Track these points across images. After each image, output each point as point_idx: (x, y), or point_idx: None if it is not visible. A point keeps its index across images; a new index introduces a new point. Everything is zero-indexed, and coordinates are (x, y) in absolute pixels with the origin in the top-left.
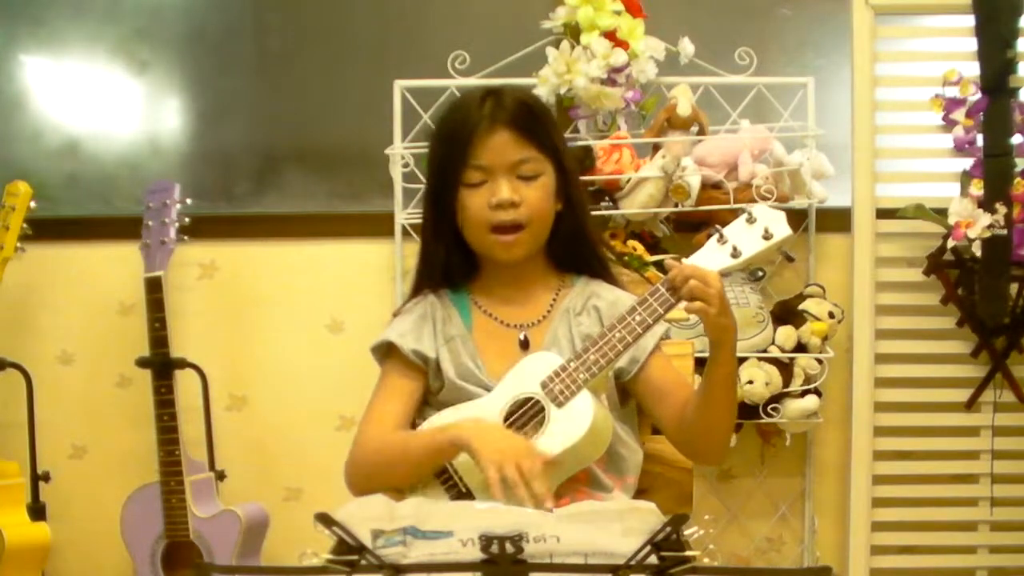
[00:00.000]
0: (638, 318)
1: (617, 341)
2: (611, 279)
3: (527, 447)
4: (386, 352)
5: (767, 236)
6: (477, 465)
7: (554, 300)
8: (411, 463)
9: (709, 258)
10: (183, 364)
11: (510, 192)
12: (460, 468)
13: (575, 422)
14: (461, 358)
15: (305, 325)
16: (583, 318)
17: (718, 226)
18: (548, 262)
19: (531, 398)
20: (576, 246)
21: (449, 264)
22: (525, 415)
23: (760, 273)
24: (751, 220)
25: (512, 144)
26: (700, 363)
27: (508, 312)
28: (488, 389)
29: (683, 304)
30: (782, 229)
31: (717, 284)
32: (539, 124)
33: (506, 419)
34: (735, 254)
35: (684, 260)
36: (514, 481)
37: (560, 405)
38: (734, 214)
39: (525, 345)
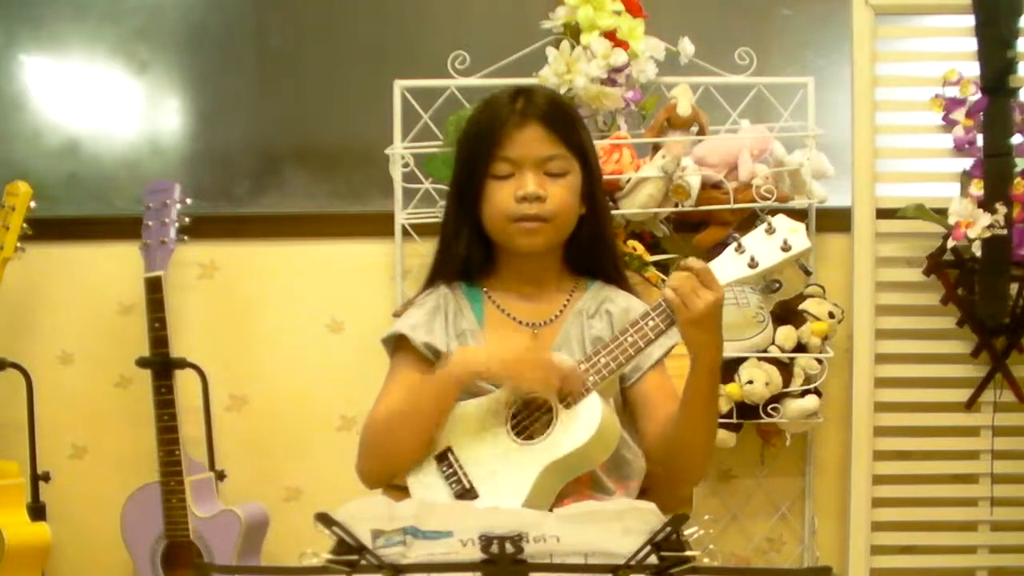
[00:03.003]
0: (651, 323)
1: (629, 346)
2: (626, 286)
3: (532, 348)
4: (397, 344)
5: (786, 248)
6: (500, 383)
7: (567, 301)
8: (421, 411)
9: (726, 267)
10: (183, 364)
11: (536, 186)
12: (463, 461)
13: (584, 423)
14: None
15: (305, 325)
16: (595, 321)
17: (737, 235)
18: (564, 264)
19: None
20: (595, 251)
21: (468, 257)
22: (533, 413)
23: (776, 285)
24: (770, 231)
25: (542, 140)
26: None
27: (521, 309)
28: (496, 385)
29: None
30: (801, 241)
31: (709, 297)
32: (569, 124)
33: (514, 416)
34: (752, 264)
35: None
36: (544, 385)
37: (569, 406)
38: (734, 214)
39: None
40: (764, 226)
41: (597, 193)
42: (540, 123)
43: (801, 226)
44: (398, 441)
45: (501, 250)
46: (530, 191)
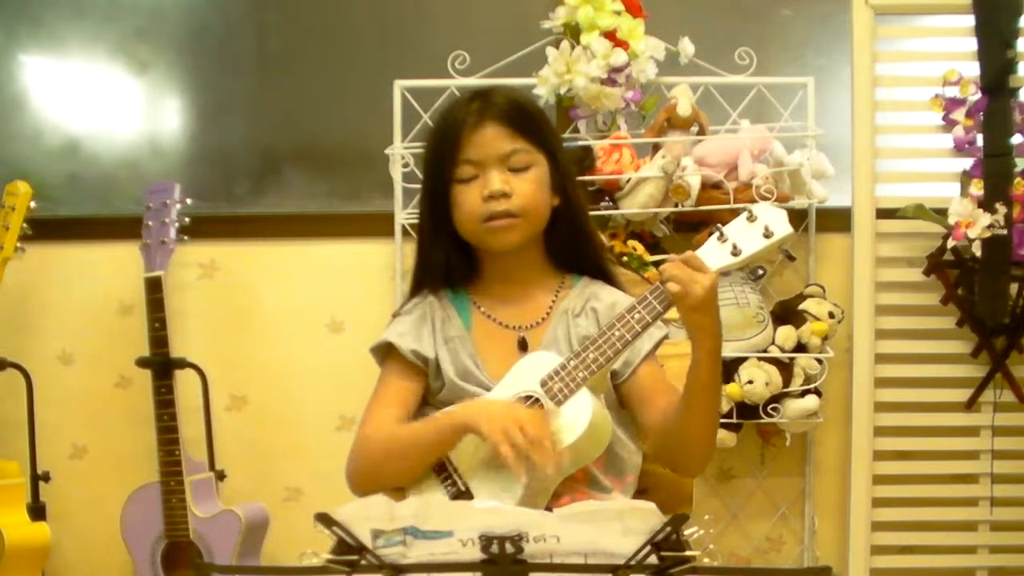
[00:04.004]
0: (637, 316)
1: (616, 339)
2: (611, 280)
3: (528, 413)
4: (386, 353)
5: (768, 234)
6: (485, 442)
7: (553, 301)
8: (415, 453)
9: (709, 256)
10: (183, 364)
11: (501, 183)
12: (459, 465)
13: (574, 420)
14: (461, 358)
15: (305, 325)
16: (581, 319)
17: (719, 224)
18: (547, 262)
19: (531, 396)
20: (575, 244)
21: (448, 265)
22: None
23: (760, 271)
24: (752, 218)
25: (501, 137)
26: None
27: (507, 313)
28: (488, 389)
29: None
30: (783, 227)
31: (705, 281)
32: (528, 117)
33: None
34: (735, 252)
35: None
36: (522, 449)
37: (559, 403)
38: (734, 214)
39: (523, 346)
40: (745, 214)
41: (568, 185)
42: (497, 121)
43: (783, 212)
44: (390, 474)
45: (481, 253)
46: (495, 188)
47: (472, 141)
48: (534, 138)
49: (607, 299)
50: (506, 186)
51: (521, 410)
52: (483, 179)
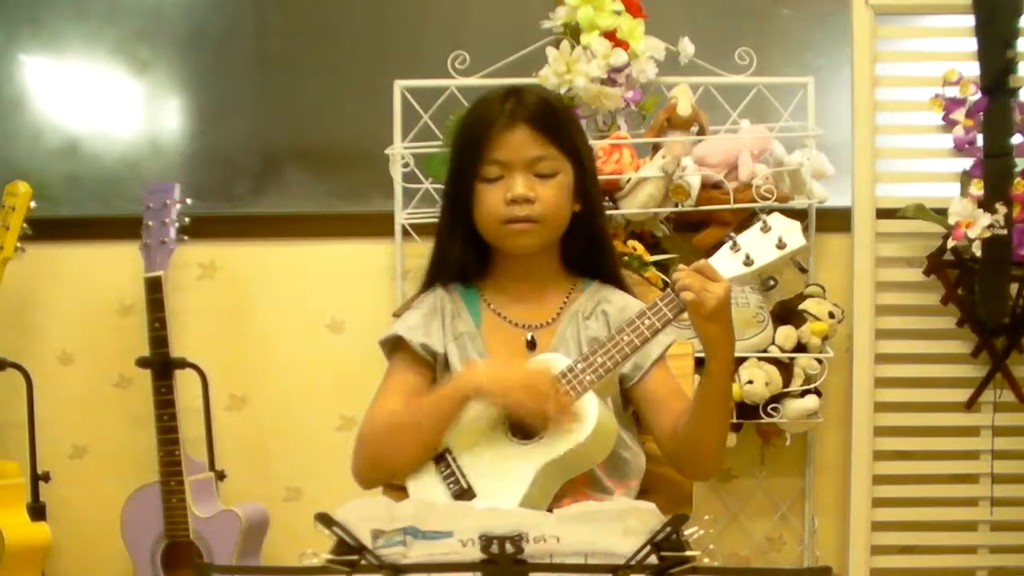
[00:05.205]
0: (647, 322)
1: (625, 345)
2: (622, 285)
3: (534, 373)
4: (394, 346)
5: (781, 246)
6: (496, 405)
7: (564, 302)
8: (421, 425)
9: (722, 265)
10: (183, 364)
11: (525, 188)
12: (462, 464)
13: (580, 423)
14: (469, 354)
15: (305, 325)
16: (591, 322)
17: (732, 233)
18: (561, 264)
19: None
20: (591, 249)
21: (463, 260)
22: None
23: (772, 282)
24: (766, 229)
25: (530, 141)
26: (700, 363)
27: (517, 312)
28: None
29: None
30: (796, 239)
31: (719, 290)
32: (559, 123)
33: (511, 416)
34: (748, 262)
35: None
36: (542, 410)
37: None
38: (734, 214)
39: (532, 345)
40: (759, 224)
41: (592, 191)
42: (528, 124)
43: (796, 224)
44: (397, 452)
45: (496, 252)
46: (519, 193)
47: (501, 142)
48: (562, 144)
49: (618, 303)
50: (530, 192)
51: (525, 372)
52: (508, 181)
